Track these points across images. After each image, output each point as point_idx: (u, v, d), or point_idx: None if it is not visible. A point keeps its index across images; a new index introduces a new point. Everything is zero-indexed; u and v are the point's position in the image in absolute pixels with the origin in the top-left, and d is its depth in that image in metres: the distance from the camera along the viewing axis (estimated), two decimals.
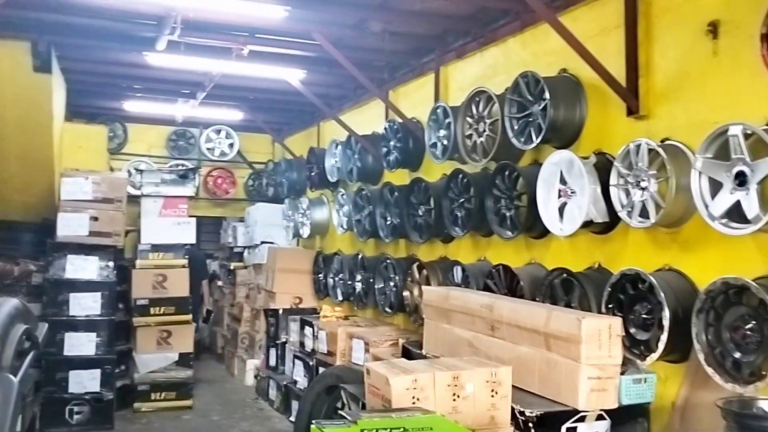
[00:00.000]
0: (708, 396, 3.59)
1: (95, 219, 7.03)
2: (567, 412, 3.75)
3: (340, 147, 7.94)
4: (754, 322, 3.32)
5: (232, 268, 10.66)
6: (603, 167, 4.25)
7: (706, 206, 3.47)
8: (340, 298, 7.91)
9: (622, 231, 4.33)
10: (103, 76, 8.22)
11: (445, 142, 5.82)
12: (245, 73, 7.24)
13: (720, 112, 3.66)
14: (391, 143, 6.83)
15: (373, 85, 6.95)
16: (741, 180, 3.32)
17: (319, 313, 7.73)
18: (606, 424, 3.84)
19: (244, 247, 10.46)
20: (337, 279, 8.03)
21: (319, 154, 8.57)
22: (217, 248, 12.18)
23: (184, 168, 8.30)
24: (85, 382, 6.87)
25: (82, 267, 6.94)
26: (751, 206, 3.27)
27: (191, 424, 7.37)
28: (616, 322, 3.78)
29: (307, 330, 7.40)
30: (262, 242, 9.81)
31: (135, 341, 7.75)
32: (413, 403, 3.52)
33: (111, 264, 7.13)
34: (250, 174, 11.62)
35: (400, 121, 6.72)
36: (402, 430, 2.49)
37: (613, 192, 4.09)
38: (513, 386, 4.08)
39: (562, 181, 4.49)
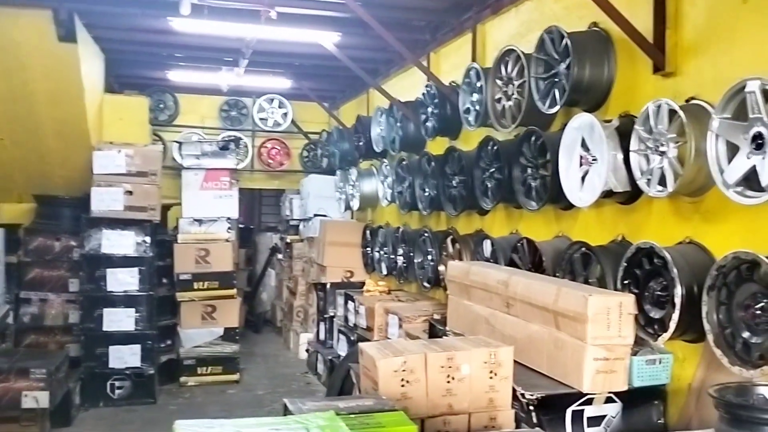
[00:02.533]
0: (724, 378, 3.26)
1: (130, 193, 7.01)
2: (571, 394, 3.50)
3: (384, 115, 7.74)
4: (765, 301, 2.96)
5: (288, 241, 10.67)
6: (627, 132, 3.89)
7: (721, 172, 3.11)
8: (385, 272, 7.76)
9: (646, 201, 3.95)
10: (138, 45, 8.06)
11: (478, 107, 5.53)
12: (280, 38, 7.00)
13: (749, 67, 3.23)
14: (429, 110, 6.54)
15: (409, 47, 6.61)
16: (758, 143, 2.93)
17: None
18: (616, 407, 3.57)
19: (300, 220, 10.46)
20: (381, 253, 7.88)
21: (366, 123, 8.34)
22: (278, 221, 12.25)
23: (225, 139, 8.25)
24: (125, 357, 6.95)
25: (118, 242, 6.96)
26: (765, 172, 2.89)
27: (234, 398, 7.39)
28: (628, 299, 3.47)
29: (350, 304, 7.31)
30: (315, 215, 9.75)
31: (179, 316, 7.80)
32: (402, 386, 3.37)
33: (148, 239, 7.12)
34: (304, 144, 11.42)
35: (437, 86, 6.45)
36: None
37: (633, 158, 3.72)
38: (525, 367, 3.89)
39: (585, 148, 4.16)
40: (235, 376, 7.96)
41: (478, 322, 4.44)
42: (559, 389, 3.54)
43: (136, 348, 7.07)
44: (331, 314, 8.17)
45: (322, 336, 8.52)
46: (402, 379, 3.35)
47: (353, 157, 9.10)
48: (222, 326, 7.92)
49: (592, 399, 3.51)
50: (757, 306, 2.99)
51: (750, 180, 3.01)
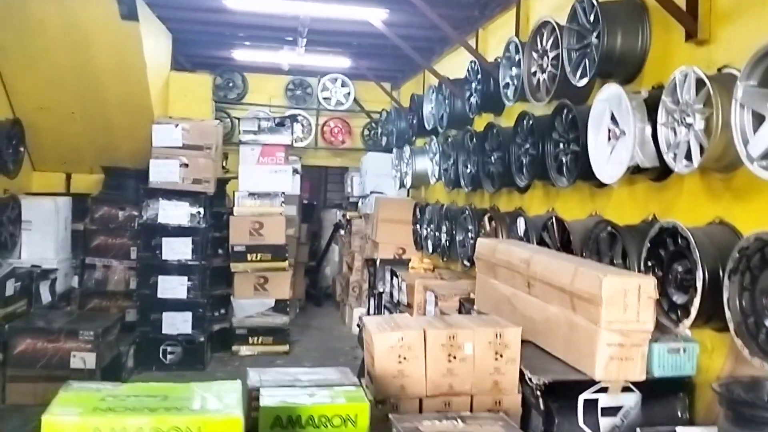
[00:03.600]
0: (754, 372, 3.00)
1: (185, 166, 7.18)
2: (583, 381, 3.31)
3: (434, 93, 7.60)
4: None
5: (348, 217, 10.71)
6: (656, 104, 3.61)
7: (746, 145, 2.83)
8: (431, 249, 7.66)
9: (677, 178, 3.69)
10: (202, 24, 8.27)
11: (516, 82, 5.34)
12: (332, 15, 7.01)
13: None
14: (473, 86, 6.39)
15: (458, 24, 6.50)
16: None
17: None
18: (635, 397, 3.36)
19: (359, 197, 10.47)
20: (428, 230, 7.78)
21: (419, 102, 8.25)
22: (342, 198, 12.32)
23: (281, 116, 8.31)
24: (177, 324, 7.15)
25: (173, 212, 7.14)
26: None
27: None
28: (648, 281, 3.25)
29: (395, 281, 7.27)
30: (372, 192, 9.74)
31: (233, 287, 7.94)
32: (399, 362, 3.28)
33: (202, 210, 7.29)
34: (365, 123, 11.46)
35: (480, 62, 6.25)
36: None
37: (661, 131, 3.48)
38: (542, 351, 3.73)
39: (614, 121, 3.91)
40: (285, 347, 8.08)
41: (502, 302, 4.30)
42: (570, 375, 3.37)
43: (188, 315, 7.26)
44: (380, 290, 8.13)
45: (371, 311, 8.50)
46: (399, 356, 3.27)
47: (408, 136, 9.00)
48: (273, 298, 8.02)
49: (607, 387, 3.31)
50: None
51: None
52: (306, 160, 11.13)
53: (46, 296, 6.89)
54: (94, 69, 7.14)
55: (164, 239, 7.18)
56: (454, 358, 3.34)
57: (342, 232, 11.68)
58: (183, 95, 8.17)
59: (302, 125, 11.06)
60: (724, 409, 2.40)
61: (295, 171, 10.13)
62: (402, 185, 9.22)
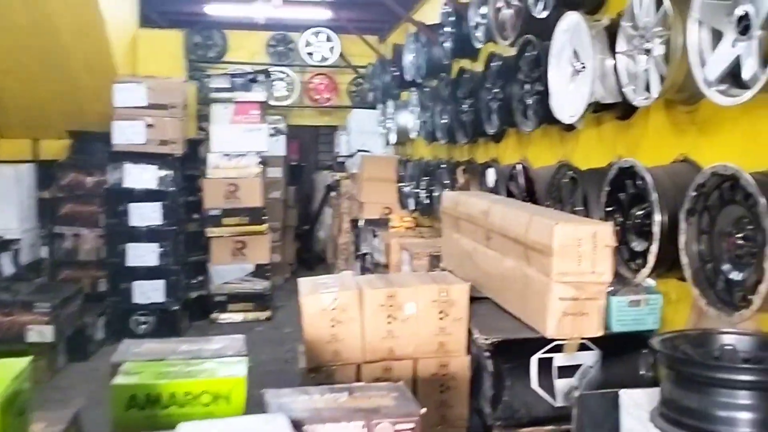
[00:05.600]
0: (719, 324, 2.69)
1: (151, 126, 6.85)
2: (536, 339, 3.02)
3: (413, 42, 7.19)
4: (749, 228, 2.35)
5: (337, 178, 10.39)
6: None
7: (702, 67, 2.48)
8: (412, 207, 7.35)
9: (643, 115, 3.34)
10: None
11: (485, 21, 4.95)
12: None
13: None
14: (447, 30, 5.98)
15: None
16: (745, 25, 2.29)
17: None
18: (593, 355, 3.07)
19: (346, 157, 10.13)
20: (410, 187, 7.46)
21: (399, 53, 7.85)
22: (332, 158, 11.98)
23: (253, 71, 7.97)
24: (148, 292, 6.90)
25: (139, 176, 6.84)
26: (749, 62, 2.25)
27: (258, 336, 7.24)
28: (605, 228, 2.92)
29: (375, 241, 7.00)
30: (358, 151, 9.38)
31: (210, 252, 7.69)
32: (332, 326, 3.00)
33: (171, 173, 6.99)
34: (352, 79, 10.99)
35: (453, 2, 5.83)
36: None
37: (621, 61, 3.12)
38: (498, 307, 3.44)
39: (575, 55, 3.55)
40: (267, 313, 7.85)
41: (464, 257, 3.99)
42: (523, 333, 3.07)
43: (160, 284, 7.01)
44: (364, 251, 7.85)
45: (357, 274, 8.23)
46: (332, 319, 2.98)
47: (392, 90, 8.60)
48: (252, 263, 7.78)
49: (563, 345, 3.02)
50: (739, 234, 2.39)
51: (738, 77, 2.38)
52: (292, 119, 10.74)
53: (8, 267, 6.66)
54: (53, 27, 6.75)
55: (131, 204, 6.89)
56: (395, 319, 3.06)
57: (334, 194, 11.39)
58: (153, 54, 7.78)
59: (285, 82, 10.67)
60: (665, 369, 2.09)
61: (279, 131, 9.84)
62: (388, 142, 8.88)
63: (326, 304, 2.97)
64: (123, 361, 2.04)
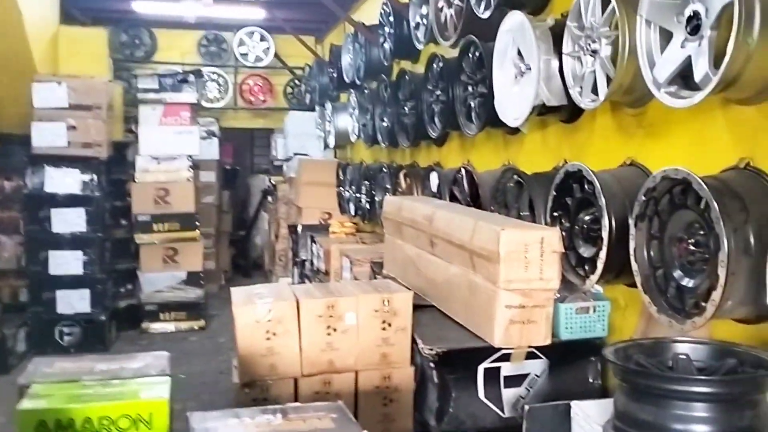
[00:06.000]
0: (669, 331, 2.63)
1: (73, 128, 6.50)
2: (483, 349, 2.91)
3: (352, 42, 7.03)
4: (701, 233, 2.29)
5: (274, 183, 10.13)
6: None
7: (652, 68, 2.41)
8: (353, 212, 7.19)
9: (589, 118, 3.27)
10: None
11: (426, 21, 4.85)
12: None
13: None
14: (387, 30, 5.86)
15: None
16: (695, 25, 2.23)
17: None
18: (542, 364, 2.98)
19: (283, 161, 9.89)
20: (350, 192, 7.30)
21: (337, 53, 7.69)
22: (268, 162, 11.71)
23: (183, 72, 7.68)
24: (73, 302, 6.55)
25: (62, 180, 6.47)
26: (700, 63, 2.19)
27: (193, 346, 7.00)
28: (552, 234, 2.84)
29: (314, 247, 6.82)
30: (295, 154, 9.17)
31: (139, 260, 7.36)
32: (267, 339, 2.82)
33: (95, 177, 6.65)
34: (289, 80, 10.77)
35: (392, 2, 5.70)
36: None
37: (567, 63, 3.05)
38: (444, 316, 3.32)
39: (521, 56, 3.47)
40: (201, 323, 7.57)
41: (408, 263, 3.87)
42: (469, 342, 2.96)
43: (86, 293, 6.66)
44: (303, 258, 7.65)
45: (296, 281, 8.02)
46: (267, 331, 2.80)
47: (330, 91, 8.42)
48: (185, 270, 7.48)
49: (510, 354, 2.92)
50: (691, 239, 2.33)
51: (688, 78, 2.32)
52: (225, 122, 10.43)
53: None
54: None
55: (53, 210, 6.50)
56: (334, 330, 2.90)
57: (270, 198, 11.13)
58: (75, 52, 7.38)
59: (218, 83, 10.36)
60: (618, 381, 1.99)
61: (211, 134, 9.54)
62: (326, 146, 8.69)
63: (261, 315, 2.80)
64: (31, 383, 1.81)
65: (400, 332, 2.95)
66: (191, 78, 7.48)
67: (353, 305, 2.90)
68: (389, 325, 2.95)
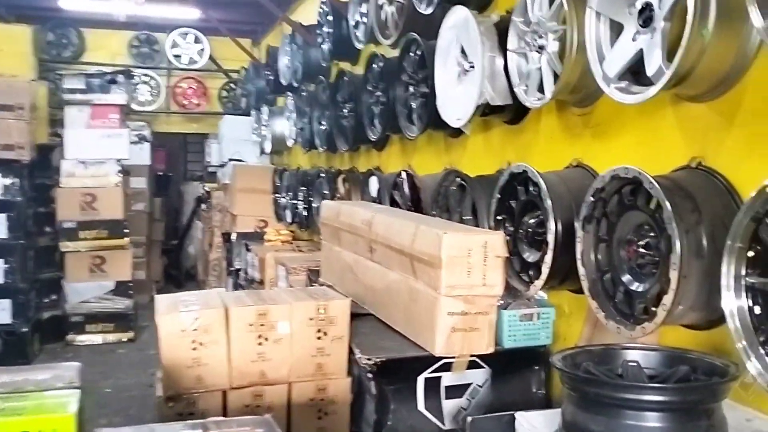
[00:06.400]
0: (616, 338, 2.53)
1: None
2: (423, 358, 2.76)
3: (289, 44, 6.84)
4: (651, 235, 2.20)
5: (208, 189, 9.82)
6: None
7: (602, 63, 2.32)
8: (290, 219, 6.98)
9: (534, 118, 3.18)
10: None
11: (366, 20, 4.71)
12: None
13: None
14: (325, 30, 5.69)
15: None
16: (647, 17, 2.15)
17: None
18: (484, 373, 2.85)
19: (217, 166, 9.60)
20: (287, 199, 7.09)
21: (274, 55, 7.49)
22: (202, 168, 11.37)
23: (112, 72, 7.35)
24: None
25: None
26: (653, 56, 2.11)
27: (121, 359, 6.69)
28: (496, 238, 2.71)
29: (249, 256, 6.58)
30: (230, 160, 8.89)
31: (64, 269, 7.02)
32: (194, 349, 2.60)
33: (17, 181, 6.32)
34: (224, 84, 10.50)
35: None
36: None
37: (511, 60, 2.95)
38: (384, 324, 3.16)
39: (464, 54, 3.36)
40: (130, 334, 7.25)
41: (345, 270, 3.70)
42: (408, 352, 2.81)
43: (6, 303, 6.34)
44: (237, 267, 7.38)
45: (230, 290, 7.73)
46: (194, 341, 2.59)
47: (267, 95, 8.20)
48: (113, 279, 7.16)
49: (451, 364, 2.77)
50: (641, 241, 2.24)
51: (640, 74, 2.23)
52: (157, 126, 10.08)
53: None
54: None
55: None
56: (266, 339, 2.71)
57: (204, 206, 10.79)
58: None
59: (150, 86, 10.00)
60: (567, 390, 1.87)
61: (142, 138, 9.18)
62: (263, 151, 8.45)
63: (186, 324, 2.58)
64: None
65: (337, 341, 2.78)
66: (120, 79, 7.18)
67: (286, 313, 2.72)
68: (325, 334, 2.77)
